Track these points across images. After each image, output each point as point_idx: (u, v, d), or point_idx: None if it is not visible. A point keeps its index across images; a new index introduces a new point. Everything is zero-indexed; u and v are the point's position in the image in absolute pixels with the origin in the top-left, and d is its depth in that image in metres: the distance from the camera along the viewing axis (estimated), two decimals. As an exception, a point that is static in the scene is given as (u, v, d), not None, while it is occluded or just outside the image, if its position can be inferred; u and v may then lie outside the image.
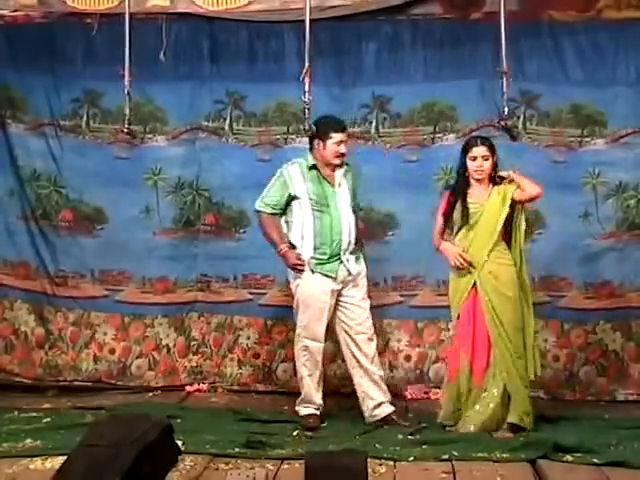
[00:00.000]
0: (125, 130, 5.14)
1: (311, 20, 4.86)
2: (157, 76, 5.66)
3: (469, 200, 4.70)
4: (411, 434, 4.47)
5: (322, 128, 4.76)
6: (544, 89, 5.58)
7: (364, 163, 5.59)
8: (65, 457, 3.21)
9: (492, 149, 4.71)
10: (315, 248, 4.70)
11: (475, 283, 4.61)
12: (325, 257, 4.70)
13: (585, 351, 5.54)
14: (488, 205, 4.67)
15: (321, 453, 3.64)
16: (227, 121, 5.80)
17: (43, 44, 5.73)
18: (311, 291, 4.70)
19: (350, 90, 5.71)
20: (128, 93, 4.98)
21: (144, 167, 5.82)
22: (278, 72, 5.65)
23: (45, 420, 4.76)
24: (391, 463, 3.96)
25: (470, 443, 4.20)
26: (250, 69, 5.75)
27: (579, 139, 5.58)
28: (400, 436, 4.44)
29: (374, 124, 5.71)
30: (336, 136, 4.74)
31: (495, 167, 4.72)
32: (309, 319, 4.72)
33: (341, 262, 4.72)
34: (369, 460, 3.50)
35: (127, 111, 5.03)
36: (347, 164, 4.87)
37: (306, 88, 4.76)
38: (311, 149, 4.82)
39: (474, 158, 4.68)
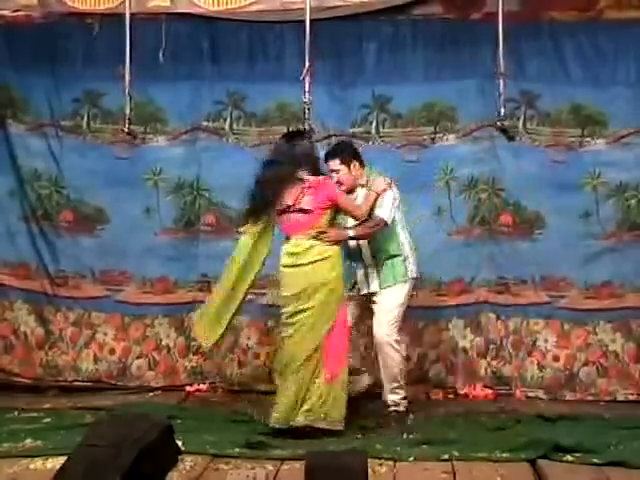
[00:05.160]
0: (125, 130, 5.16)
1: (311, 20, 4.87)
2: (157, 76, 5.66)
3: None
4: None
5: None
6: (544, 89, 5.57)
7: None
8: (65, 457, 3.21)
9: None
10: None
11: None
12: None
13: (585, 351, 5.53)
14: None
15: (321, 453, 3.63)
16: (227, 121, 5.81)
17: (43, 44, 5.73)
18: None
19: (350, 90, 5.71)
20: (128, 93, 5.00)
21: (144, 167, 5.83)
22: (278, 72, 5.65)
23: (45, 420, 4.76)
24: (391, 463, 3.96)
25: (470, 443, 4.20)
26: (250, 69, 5.75)
27: (579, 139, 5.58)
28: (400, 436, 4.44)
29: (374, 124, 5.71)
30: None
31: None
32: None
33: None
34: (369, 460, 3.49)
35: (127, 111, 5.05)
36: None
37: (306, 88, 4.77)
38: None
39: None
